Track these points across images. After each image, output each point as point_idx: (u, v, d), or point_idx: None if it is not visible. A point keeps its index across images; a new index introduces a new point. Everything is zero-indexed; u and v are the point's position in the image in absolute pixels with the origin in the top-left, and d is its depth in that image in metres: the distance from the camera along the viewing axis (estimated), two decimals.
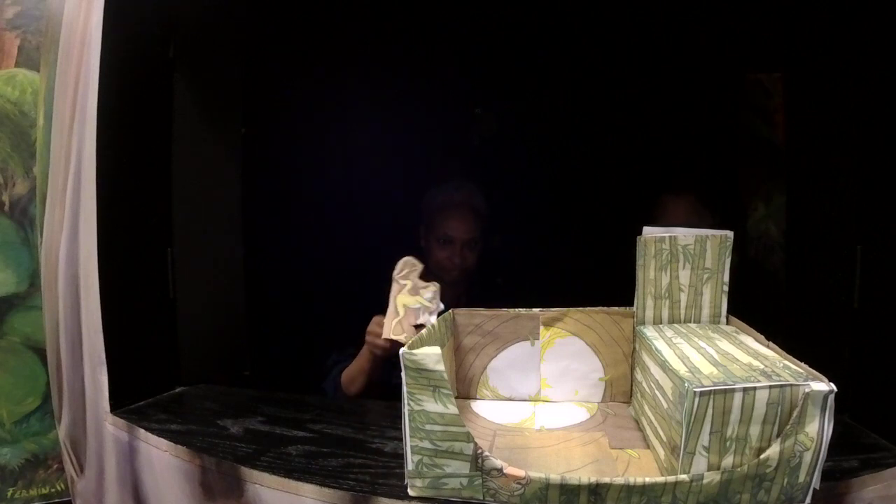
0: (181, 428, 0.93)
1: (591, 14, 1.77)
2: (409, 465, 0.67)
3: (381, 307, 1.42)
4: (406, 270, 0.98)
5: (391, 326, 0.96)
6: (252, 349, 1.25)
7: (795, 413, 0.59)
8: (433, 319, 0.93)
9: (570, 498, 0.62)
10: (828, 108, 1.03)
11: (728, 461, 0.61)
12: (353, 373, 1.27)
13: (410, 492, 0.68)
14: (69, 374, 1.08)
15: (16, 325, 1.53)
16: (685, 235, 0.84)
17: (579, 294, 0.93)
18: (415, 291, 0.97)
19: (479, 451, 0.65)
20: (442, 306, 0.96)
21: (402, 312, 0.96)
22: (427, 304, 0.96)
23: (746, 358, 0.68)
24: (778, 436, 0.60)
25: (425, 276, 1.52)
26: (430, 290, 0.97)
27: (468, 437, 0.65)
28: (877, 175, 0.89)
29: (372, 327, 1.19)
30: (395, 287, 0.99)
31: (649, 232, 0.85)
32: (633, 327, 0.89)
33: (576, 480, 0.62)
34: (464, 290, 1.48)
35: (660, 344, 0.76)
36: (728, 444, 0.60)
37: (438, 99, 1.97)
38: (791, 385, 0.59)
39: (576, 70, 1.94)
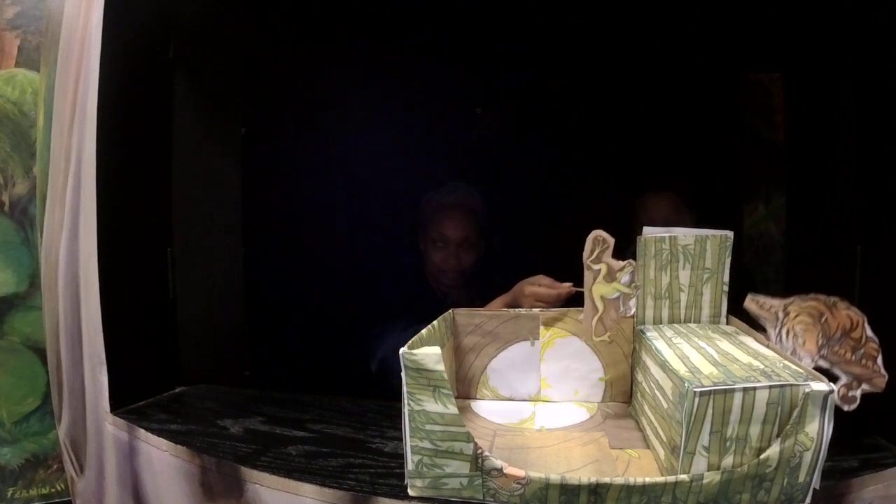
0: (181, 428, 0.93)
1: (592, 14, 1.77)
2: (409, 465, 0.67)
3: (382, 306, 1.43)
4: (598, 251, 0.82)
5: (593, 326, 0.84)
6: (252, 349, 1.25)
7: (795, 413, 0.59)
8: (634, 306, 0.84)
9: (570, 498, 0.62)
10: (828, 108, 1.04)
11: (728, 461, 0.61)
12: None
13: (410, 492, 0.68)
14: (69, 374, 1.08)
15: (16, 325, 1.53)
16: (685, 235, 0.84)
17: (579, 294, 0.92)
18: (611, 277, 0.83)
19: (479, 451, 0.65)
20: (640, 287, 0.84)
21: (601, 307, 0.83)
22: (626, 290, 0.83)
23: (746, 358, 0.68)
24: (778, 436, 0.60)
25: (434, 274, 1.52)
26: (627, 270, 0.83)
27: (468, 437, 0.65)
28: (877, 175, 0.89)
29: (536, 287, 1.13)
30: (587, 275, 0.83)
31: (649, 232, 0.85)
32: (633, 327, 0.89)
33: (576, 480, 0.62)
34: (475, 292, 1.46)
35: (660, 344, 0.76)
36: (728, 444, 0.60)
37: (438, 99, 1.97)
38: (791, 385, 0.59)
39: (577, 70, 1.94)
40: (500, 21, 1.81)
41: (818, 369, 0.73)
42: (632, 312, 0.84)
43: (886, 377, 0.72)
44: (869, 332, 0.74)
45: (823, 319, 0.76)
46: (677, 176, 1.55)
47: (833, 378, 0.71)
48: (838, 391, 0.72)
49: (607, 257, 0.82)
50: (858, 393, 0.72)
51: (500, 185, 1.96)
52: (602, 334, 0.85)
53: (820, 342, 0.76)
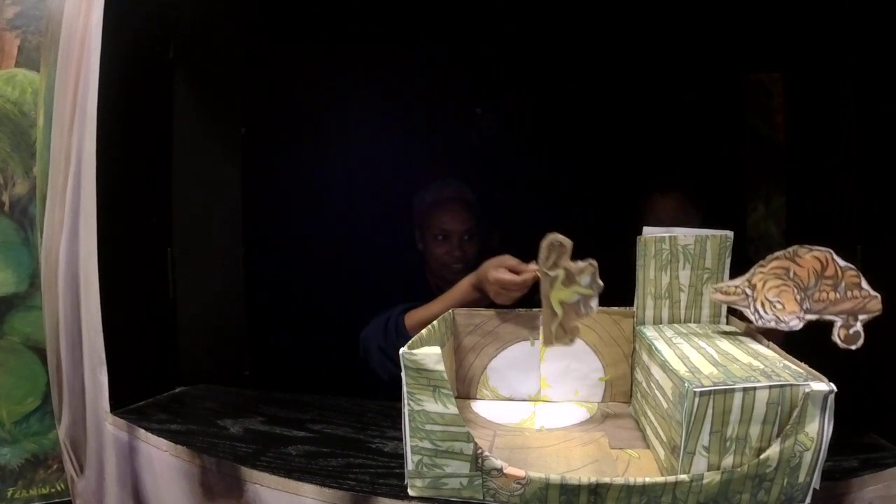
0: (181, 428, 0.93)
1: (594, 15, 1.77)
2: (409, 465, 0.67)
3: (382, 306, 1.43)
4: (554, 257, 0.78)
5: (552, 332, 0.80)
6: (252, 349, 1.25)
7: (795, 413, 0.59)
8: (596, 305, 0.79)
9: (570, 498, 0.62)
10: (828, 108, 1.04)
11: (728, 461, 0.61)
12: (445, 309, 1.11)
13: (410, 492, 0.68)
14: (69, 374, 1.08)
15: (16, 325, 1.53)
16: (685, 235, 0.84)
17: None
18: (569, 280, 0.78)
19: (479, 451, 0.65)
20: (602, 285, 0.78)
21: (560, 313, 0.79)
22: (587, 291, 0.78)
23: (746, 358, 0.68)
24: (778, 436, 0.60)
25: (433, 269, 1.51)
26: (587, 272, 0.77)
27: (468, 437, 0.65)
28: (876, 175, 0.89)
29: (501, 274, 1.04)
30: (544, 282, 0.80)
31: (649, 232, 0.85)
32: (633, 327, 0.89)
33: (576, 480, 0.62)
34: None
35: (660, 344, 0.76)
36: (728, 444, 0.60)
37: (438, 98, 1.97)
38: (791, 385, 0.59)
39: (578, 70, 1.94)
40: (503, 22, 1.81)
41: (809, 324, 0.71)
42: (594, 311, 0.80)
43: (879, 297, 0.69)
44: (841, 262, 0.71)
45: (791, 274, 0.72)
46: (683, 176, 1.55)
47: (828, 325, 0.70)
48: (838, 334, 0.70)
49: (565, 261, 0.78)
50: (859, 326, 0.69)
51: (502, 185, 1.96)
52: (563, 338, 0.81)
53: (798, 297, 0.72)
